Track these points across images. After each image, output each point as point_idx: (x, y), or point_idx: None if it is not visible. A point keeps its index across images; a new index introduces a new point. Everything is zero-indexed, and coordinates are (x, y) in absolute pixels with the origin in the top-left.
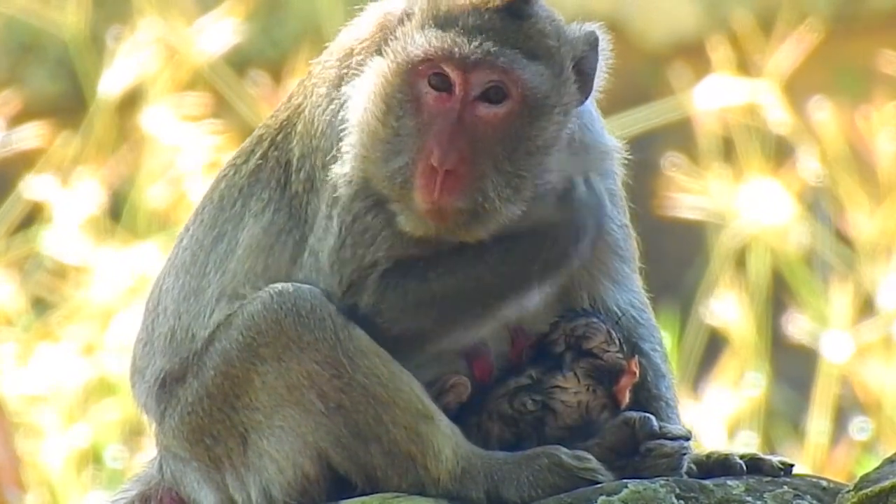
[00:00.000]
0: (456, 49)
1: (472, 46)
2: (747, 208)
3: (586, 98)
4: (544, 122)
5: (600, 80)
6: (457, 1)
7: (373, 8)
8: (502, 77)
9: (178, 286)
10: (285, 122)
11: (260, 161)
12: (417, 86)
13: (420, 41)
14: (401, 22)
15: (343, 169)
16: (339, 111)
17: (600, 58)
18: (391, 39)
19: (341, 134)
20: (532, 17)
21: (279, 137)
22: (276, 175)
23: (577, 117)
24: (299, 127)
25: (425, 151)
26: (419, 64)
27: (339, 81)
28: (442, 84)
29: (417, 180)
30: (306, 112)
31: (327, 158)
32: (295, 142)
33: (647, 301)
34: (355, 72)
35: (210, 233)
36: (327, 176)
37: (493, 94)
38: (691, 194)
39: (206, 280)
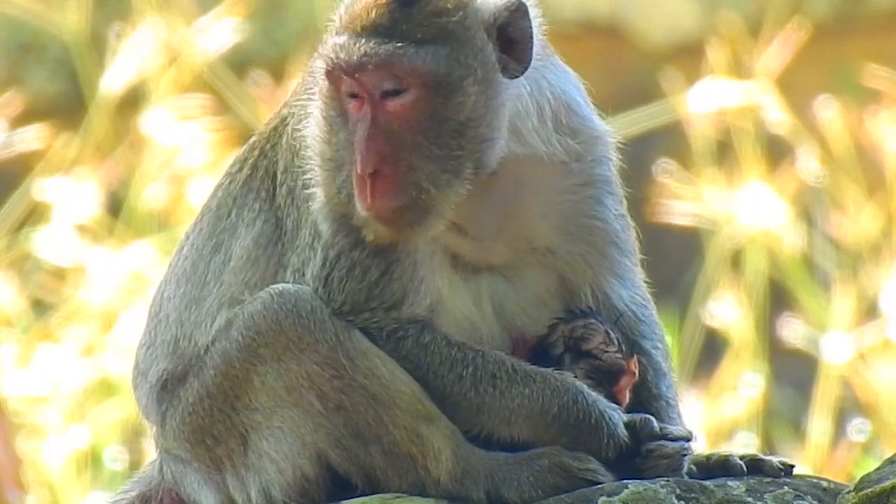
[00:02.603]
0: (341, 55)
1: (353, 49)
2: (744, 211)
3: (525, 66)
4: (459, 97)
5: (538, 45)
6: (355, 7)
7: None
8: (389, 71)
9: (180, 294)
10: (273, 133)
11: (251, 170)
12: (341, 98)
13: (321, 54)
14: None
15: (317, 204)
16: None
17: (532, 23)
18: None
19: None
20: (421, 1)
21: (268, 147)
22: (265, 185)
23: (558, 98)
24: (284, 140)
25: (354, 161)
26: (326, 77)
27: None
28: (354, 91)
29: (355, 191)
30: (290, 128)
31: (308, 181)
32: (280, 154)
33: (649, 297)
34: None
35: (208, 242)
36: (308, 198)
37: (395, 87)
38: (685, 200)
39: (206, 289)
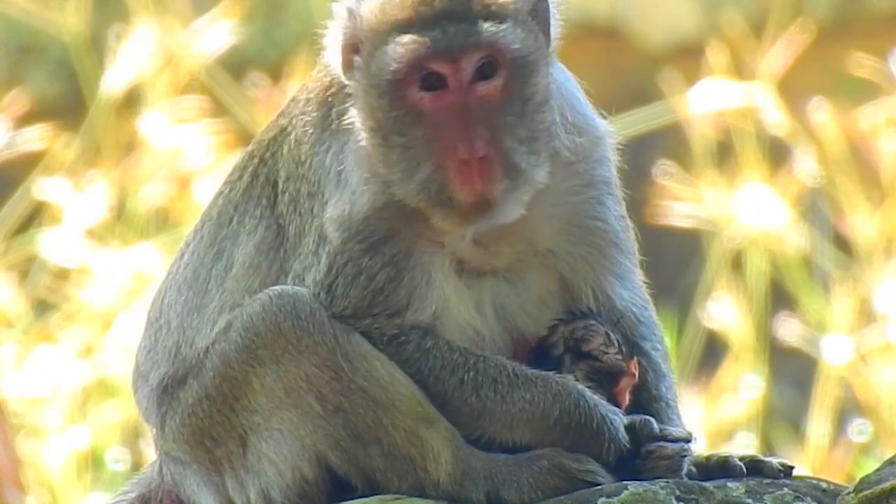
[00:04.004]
0: (435, 44)
1: (449, 34)
2: (744, 212)
3: (550, 48)
4: (537, 77)
5: (556, 28)
6: (402, 5)
7: (328, 50)
8: (489, 50)
9: (181, 301)
10: (272, 142)
11: (251, 178)
12: (409, 96)
13: (393, 54)
14: (355, 56)
15: (336, 211)
16: (326, 154)
17: (551, 5)
18: (353, 79)
19: (330, 175)
20: None
21: (267, 155)
22: (265, 193)
23: (561, 95)
24: (285, 150)
25: (449, 150)
26: (405, 74)
27: (324, 125)
28: (435, 83)
29: (454, 179)
30: (291, 138)
31: (313, 189)
32: (281, 163)
33: (649, 298)
34: (337, 121)
35: (210, 250)
36: (313, 206)
37: (486, 71)
38: (685, 202)
39: (208, 296)
